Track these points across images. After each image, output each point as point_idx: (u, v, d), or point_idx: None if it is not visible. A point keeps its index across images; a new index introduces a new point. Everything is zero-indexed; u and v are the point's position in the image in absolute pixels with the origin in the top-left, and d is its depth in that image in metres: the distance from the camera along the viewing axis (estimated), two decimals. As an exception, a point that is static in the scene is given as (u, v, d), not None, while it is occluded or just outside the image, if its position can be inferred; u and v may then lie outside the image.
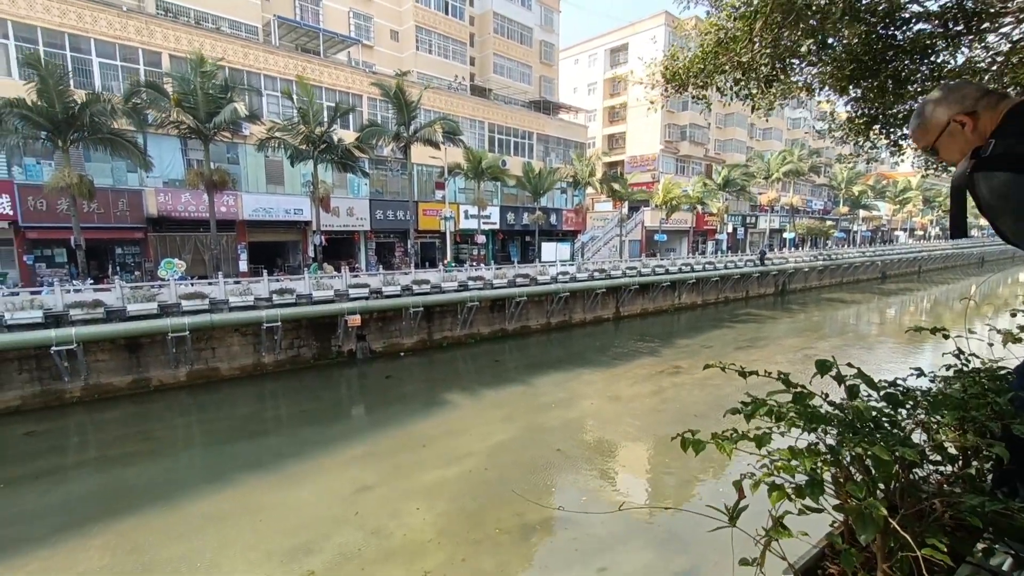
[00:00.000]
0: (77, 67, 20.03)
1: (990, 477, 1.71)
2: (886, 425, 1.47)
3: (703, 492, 9.93)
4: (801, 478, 1.35)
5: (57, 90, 15.98)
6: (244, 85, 22.58)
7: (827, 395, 1.54)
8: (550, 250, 31.22)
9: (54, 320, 13.92)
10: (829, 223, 58.43)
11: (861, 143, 6.83)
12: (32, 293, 15.13)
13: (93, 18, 20.12)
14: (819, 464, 1.35)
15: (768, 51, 4.53)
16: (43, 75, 15.75)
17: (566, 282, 25.27)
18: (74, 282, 17.54)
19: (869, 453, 1.20)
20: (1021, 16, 5.01)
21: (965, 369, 2.09)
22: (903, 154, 7.30)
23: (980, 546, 1.37)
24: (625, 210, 39.99)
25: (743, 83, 5.05)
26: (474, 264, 28.55)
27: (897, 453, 1.17)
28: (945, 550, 1.04)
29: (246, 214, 23.35)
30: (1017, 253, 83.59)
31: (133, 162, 18.94)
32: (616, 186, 36.82)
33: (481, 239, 31.14)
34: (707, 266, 31.06)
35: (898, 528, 1.11)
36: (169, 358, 15.65)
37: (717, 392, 15.35)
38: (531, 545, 8.12)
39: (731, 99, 5.43)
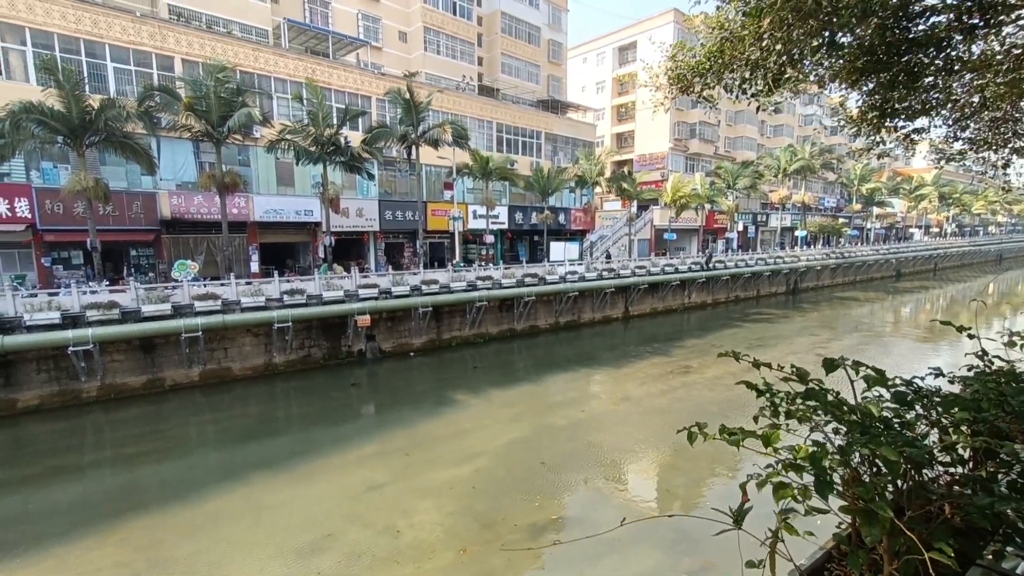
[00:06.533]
0: (92, 72, 20.37)
1: (1004, 479, 1.67)
2: (896, 425, 1.45)
3: (714, 493, 9.85)
4: (808, 478, 1.33)
5: (73, 95, 16.28)
6: (255, 88, 22.81)
7: (838, 392, 1.51)
8: (558, 249, 31.17)
9: (71, 321, 14.18)
10: (842, 221, 57.60)
11: (874, 137, 6.73)
12: (50, 295, 15.42)
13: (108, 24, 20.46)
14: (828, 464, 1.32)
15: (778, 47, 4.47)
16: (59, 80, 16.04)
17: (575, 282, 25.20)
18: (90, 284, 17.84)
19: (877, 453, 1.18)
20: (1038, 8, 4.89)
21: (989, 370, 2.04)
22: (915, 147, 7.17)
23: (991, 548, 1.33)
24: (634, 209, 39.77)
25: (751, 81, 4.99)
26: (483, 264, 28.56)
27: (905, 454, 1.15)
28: (952, 553, 1.01)
29: (257, 215, 23.60)
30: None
31: (141, 166, 19.23)
32: (625, 185, 36.62)
33: (490, 239, 31.15)
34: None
35: (904, 529, 1.08)
36: (183, 358, 15.87)
37: (728, 393, 15.21)
38: (540, 545, 8.11)
39: (738, 98, 5.36)
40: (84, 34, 20.04)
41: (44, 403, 14.14)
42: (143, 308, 15.13)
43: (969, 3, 4.78)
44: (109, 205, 19.03)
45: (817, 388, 1.47)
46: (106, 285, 17.75)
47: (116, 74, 21.00)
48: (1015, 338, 2.36)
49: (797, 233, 52.22)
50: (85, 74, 19.58)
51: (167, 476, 10.81)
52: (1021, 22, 5.13)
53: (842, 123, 7.39)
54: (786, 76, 5.15)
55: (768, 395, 1.48)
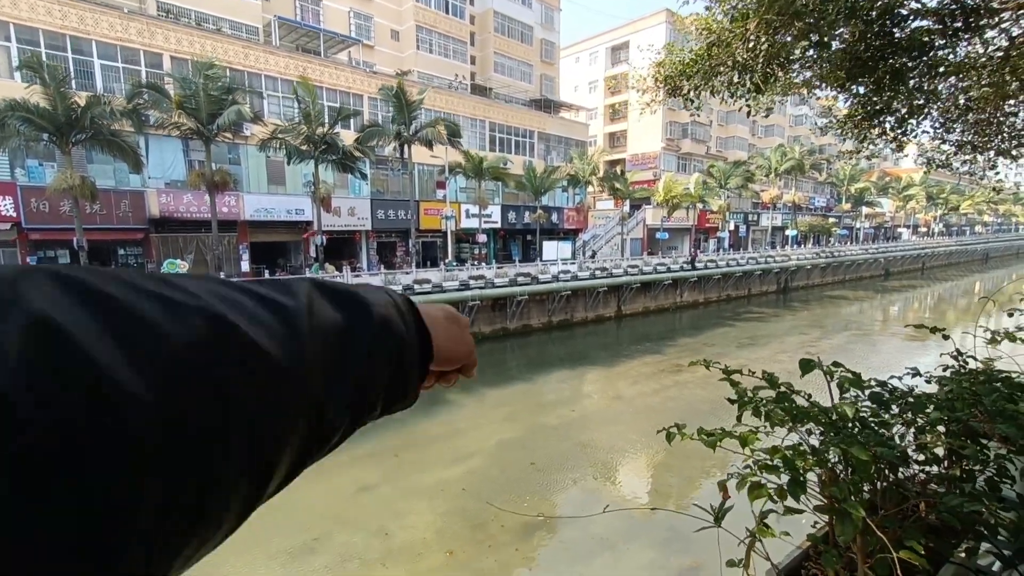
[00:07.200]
0: (79, 69, 20.10)
1: (982, 477, 1.70)
2: (872, 425, 1.47)
3: (704, 491, 9.91)
4: (785, 478, 1.35)
5: (59, 92, 16.05)
6: (245, 86, 22.63)
7: (810, 395, 1.53)
8: (551, 249, 31.22)
9: (57, 321, 13.98)
10: (832, 220, 58.17)
11: (862, 139, 6.81)
12: (35, 294, 15.20)
13: (95, 20, 20.18)
14: (802, 465, 1.34)
15: (764, 50, 4.51)
16: (44, 77, 15.81)
17: (567, 281, 25.26)
18: (77, 283, 17.61)
19: (851, 452, 1.20)
20: (1020, 12, 4.97)
21: (963, 370, 2.07)
22: (903, 150, 7.26)
23: (963, 546, 1.36)
24: (627, 208, 39.90)
25: (739, 84, 5.03)
26: (475, 263, 28.56)
27: (876, 453, 1.17)
28: (923, 552, 1.03)
29: (248, 214, 23.41)
30: (1023, 249, 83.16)
31: (127, 164, 19.01)
32: (617, 184, 36.73)
33: (482, 238, 31.12)
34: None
35: (875, 528, 1.10)
36: (172, 359, 15.70)
37: (720, 391, 15.21)
38: (533, 544, 8.14)
39: (724, 100, 5.41)
40: (70, 30, 19.76)
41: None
42: (131, 308, 14.96)
43: (952, 7, 4.85)
44: (96, 204, 18.79)
45: (787, 392, 1.49)
46: (93, 285, 17.55)
47: (103, 71, 20.74)
48: (998, 335, 2.39)
49: (788, 232, 52.68)
50: (72, 71, 19.30)
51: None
52: (1003, 25, 5.22)
53: (831, 125, 7.47)
54: (774, 78, 5.20)
55: (742, 402, 1.50)
